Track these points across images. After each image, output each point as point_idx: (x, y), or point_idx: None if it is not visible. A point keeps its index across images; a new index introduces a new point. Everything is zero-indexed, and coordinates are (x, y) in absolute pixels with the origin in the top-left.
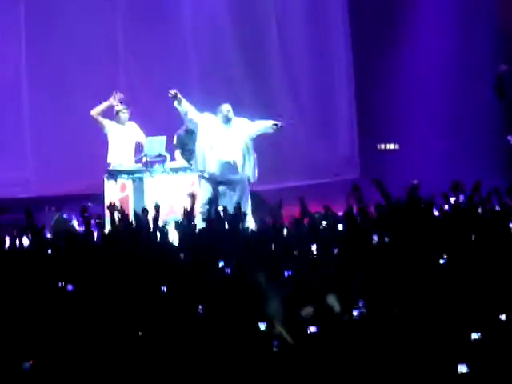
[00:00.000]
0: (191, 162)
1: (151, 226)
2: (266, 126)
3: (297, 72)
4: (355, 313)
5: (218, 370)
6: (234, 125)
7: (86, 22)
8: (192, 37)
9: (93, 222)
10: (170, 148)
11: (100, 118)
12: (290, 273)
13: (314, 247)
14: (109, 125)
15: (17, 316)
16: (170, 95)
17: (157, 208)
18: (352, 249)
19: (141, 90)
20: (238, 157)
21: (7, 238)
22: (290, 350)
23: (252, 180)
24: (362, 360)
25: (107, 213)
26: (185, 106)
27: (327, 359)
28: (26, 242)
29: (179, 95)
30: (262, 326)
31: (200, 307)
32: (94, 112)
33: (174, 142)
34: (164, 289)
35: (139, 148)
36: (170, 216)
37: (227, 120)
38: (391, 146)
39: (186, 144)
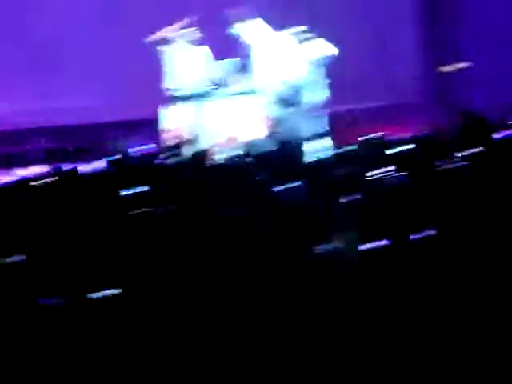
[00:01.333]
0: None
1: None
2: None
3: None
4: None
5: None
6: (306, 45)
7: None
8: None
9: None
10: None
11: (167, 41)
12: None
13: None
14: (172, 48)
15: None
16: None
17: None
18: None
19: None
20: (309, 76)
21: None
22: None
23: (323, 99)
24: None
25: (165, 137)
26: (251, 26)
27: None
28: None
29: (245, 15)
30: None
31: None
32: (162, 33)
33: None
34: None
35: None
36: (235, 141)
37: (299, 41)
38: (458, 66)
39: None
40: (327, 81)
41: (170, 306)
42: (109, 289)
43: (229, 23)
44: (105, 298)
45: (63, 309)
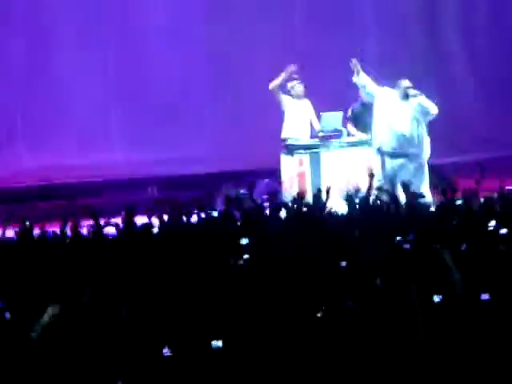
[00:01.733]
0: (367, 135)
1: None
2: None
3: (477, 44)
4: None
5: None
6: (411, 101)
7: None
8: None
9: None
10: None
11: (278, 93)
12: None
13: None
14: (286, 100)
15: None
16: (351, 64)
17: (328, 190)
18: None
19: (314, 66)
20: (415, 131)
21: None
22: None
23: (426, 158)
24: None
25: (284, 188)
26: (363, 78)
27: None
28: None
29: (359, 66)
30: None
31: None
32: (272, 86)
33: (348, 114)
34: (342, 264)
35: (311, 125)
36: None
37: (405, 96)
38: None
39: (360, 118)
40: (429, 136)
41: None
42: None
43: (351, 72)
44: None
45: None
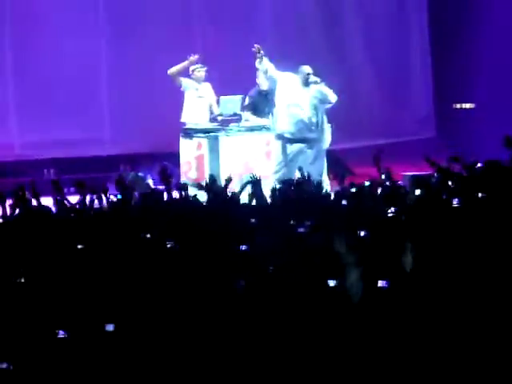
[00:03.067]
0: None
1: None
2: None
3: (373, 32)
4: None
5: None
6: (311, 87)
7: None
8: None
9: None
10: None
11: (177, 76)
12: (365, 233)
13: (390, 209)
14: (185, 82)
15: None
16: (254, 50)
17: (228, 181)
18: (430, 210)
19: (216, 50)
20: (314, 116)
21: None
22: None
23: (326, 145)
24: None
25: (182, 172)
26: (266, 63)
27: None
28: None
29: (262, 51)
30: (332, 283)
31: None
32: (171, 71)
33: (246, 102)
34: (242, 247)
35: (210, 110)
36: (245, 175)
37: (306, 82)
38: (467, 106)
39: (257, 106)
40: (330, 123)
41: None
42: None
43: (253, 57)
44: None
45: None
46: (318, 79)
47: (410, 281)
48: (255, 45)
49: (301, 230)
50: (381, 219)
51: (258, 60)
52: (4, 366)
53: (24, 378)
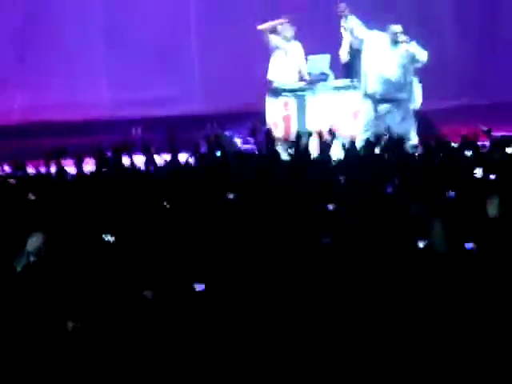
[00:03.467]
0: (354, 80)
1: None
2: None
3: None
4: None
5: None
6: (400, 47)
7: None
8: None
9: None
10: (333, 66)
11: (267, 33)
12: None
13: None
14: (275, 40)
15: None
16: (338, 9)
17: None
18: None
19: (306, 9)
20: (402, 77)
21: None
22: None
23: (415, 105)
24: None
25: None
26: (351, 22)
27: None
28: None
29: (347, 11)
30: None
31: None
32: (262, 26)
33: (343, 58)
34: (330, 207)
35: (298, 69)
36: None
37: (395, 41)
38: None
39: (347, 62)
40: (420, 82)
41: None
42: None
43: (338, 16)
44: None
45: None
46: (408, 38)
47: (497, 243)
48: (339, 4)
49: (389, 190)
50: (469, 180)
51: (343, 19)
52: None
53: (107, 335)
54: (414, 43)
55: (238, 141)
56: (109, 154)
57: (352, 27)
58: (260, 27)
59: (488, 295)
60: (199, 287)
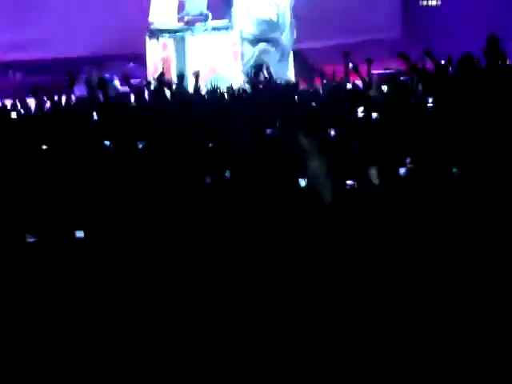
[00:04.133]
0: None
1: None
2: None
3: None
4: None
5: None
6: None
7: None
8: None
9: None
10: (211, 6)
11: None
12: (333, 133)
13: (359, 109)
14: None
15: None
16: None
17: (196, 75)
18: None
19: None
20: (275, 15)
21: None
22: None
23: (291, 40)
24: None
25: (149, 73)
26: None
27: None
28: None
29: None
30: (303, 183)
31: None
32: None
33: None
34: (210, 145)
35: (180, 8)
36: (212, 75)
37: None
38: (433, 3)
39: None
40: (294, 20)
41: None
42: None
43: None
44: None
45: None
46: None
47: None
48: None
49: (268, 131)
50: (351, 119)
51: None
52: None
53: None
54: None
55: (117, 83)
56: None
57: None
58: None
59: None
60: (79, 234)
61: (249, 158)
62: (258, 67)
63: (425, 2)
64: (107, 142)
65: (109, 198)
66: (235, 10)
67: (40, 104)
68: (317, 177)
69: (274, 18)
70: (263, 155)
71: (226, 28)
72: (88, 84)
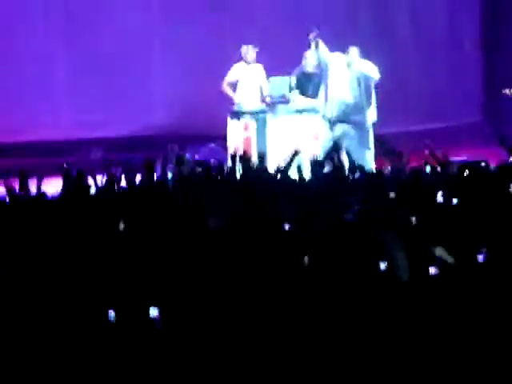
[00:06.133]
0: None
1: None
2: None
3: (422, 15)
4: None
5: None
6: (353, 67)
7: None
8: None
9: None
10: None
11: (231, 80)
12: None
13: (439, 194)
14: (236, 73)
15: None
16: (310, 35)
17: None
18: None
19: (267, 33)
20: (357, 97)
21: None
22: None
23: (374, 120)
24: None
25: (229, 153)
26: (321, 48)
27: (447, 302)
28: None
29: (318, 36)
30: (383, 266)
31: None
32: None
33: (293, 82)
34: (286, 227)
35: (261, 91)
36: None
37: (349, 63)
38: None
39: (302, 86)
40: (376, 102)
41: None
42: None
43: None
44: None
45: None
46: (355, 58)
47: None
48: (312, 31)
49: (349, 217)
50: (430, 205)
51: (313, 44)
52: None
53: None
54: (365, 61)
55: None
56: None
57: (321, 52)
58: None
59: (450, 321)
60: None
61: (329, 242)
62: (331, 151)
63: (507, 91)
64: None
65: (183, 277)
66: (318, 91)
67: (129, 180)
68: (397, 262)
69: (355, 100)
70: (343, 240)
71: (308, 110)
72: (176, 163)
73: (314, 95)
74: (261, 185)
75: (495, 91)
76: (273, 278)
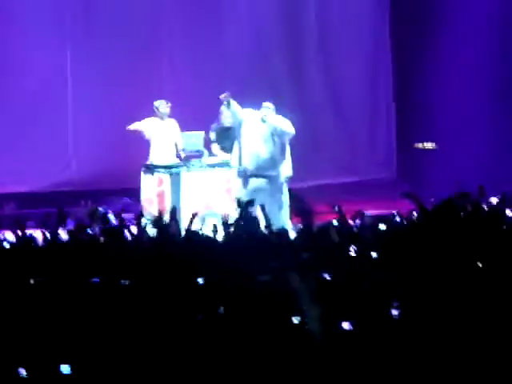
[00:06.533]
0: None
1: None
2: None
3: (335, 72)
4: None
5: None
6: (268, 122)
7: (132, 20)
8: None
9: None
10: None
11: (138, 128)
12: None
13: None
14: (148, 126)
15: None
16: (222, 98)
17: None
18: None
19: (182, 86)
20: (271, 152)
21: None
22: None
23: (288, 175)
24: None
25: (143, 208)
26: (234, 107)
27: (360, 357)
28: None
29: (230, 98)
30: (296, 320)
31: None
32: (130, 128)
33: (212, 137)
34: (199, 281)
35: (175, 146)
36: (206, 211)
37: (263, 118)
38: (429, 146)
39: (221, 141)
40: (290, 158)
41: None
42: None
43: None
44: None
45: None
46: (269, 114)
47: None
48: (224, 94)
49: (262, 278)
50: (344, 259)
51: (224, 104)
52: None
53: None
54: (278, 117)
55: (111, 217)
56: None
57: (234, 111)
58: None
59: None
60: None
61: (241, 298)
62: (245, 206)
63: (420, 145)
64: (96, 279)
65: (98, 333)
66: (235, 146)
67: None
68: (309, 317)
69: (270, 154)
70: (256, 299)
71: (222, 165)
72: (89, 217)
73: (231, 149)
74: (173, 244)
75: (407, 145)
76: (185, 328)
